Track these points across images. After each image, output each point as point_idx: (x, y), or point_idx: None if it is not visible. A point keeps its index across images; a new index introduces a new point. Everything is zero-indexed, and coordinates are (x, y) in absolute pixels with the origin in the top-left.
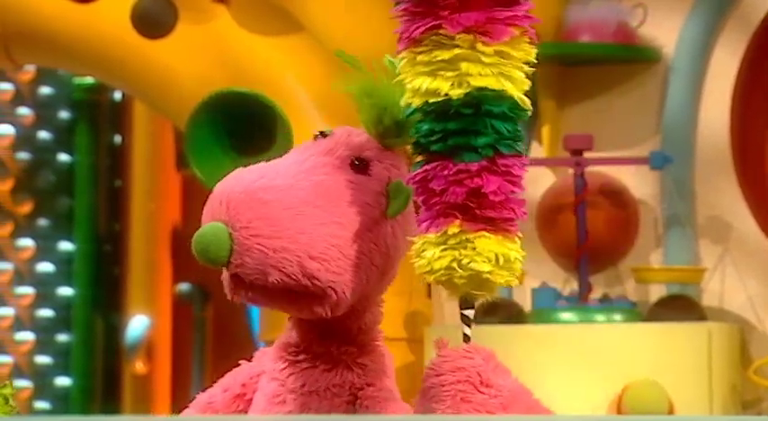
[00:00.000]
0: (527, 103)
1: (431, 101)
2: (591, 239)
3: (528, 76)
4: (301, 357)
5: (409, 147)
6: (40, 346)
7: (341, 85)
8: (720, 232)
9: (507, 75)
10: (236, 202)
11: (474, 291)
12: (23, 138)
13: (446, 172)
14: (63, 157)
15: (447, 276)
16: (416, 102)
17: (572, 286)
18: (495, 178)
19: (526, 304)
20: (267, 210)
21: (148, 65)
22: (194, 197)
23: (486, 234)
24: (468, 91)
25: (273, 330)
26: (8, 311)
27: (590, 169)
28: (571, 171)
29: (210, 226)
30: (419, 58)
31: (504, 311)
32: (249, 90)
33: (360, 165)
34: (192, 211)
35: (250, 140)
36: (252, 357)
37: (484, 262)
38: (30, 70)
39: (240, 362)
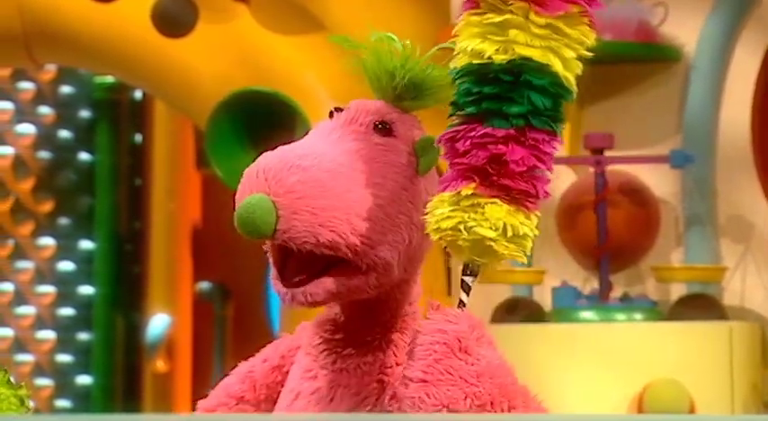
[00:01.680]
0: (572, 82)
1: (474, 62)
2: (611, 238)
3: (582, 60)
4: (337, 334)
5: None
6: (61, 345)
7: (349, 61)
8: (741, 231)
9: (556, 50)
10: (275, 171)
11: (477, 258)
12: (44, 138)
13: (473, 134)
14: (84, 156)
15: (452, 237)
16: (462, 62)
17: (592, 285)
18: (521, 149)
19: (546, 303)
20: (308, 173)
21: (169, 64)
22: (215, 196)
23: (499, 202)
24: (511, 58)
25: (294, 328)
26: (29, 310)
27: (611, 168)
28: (592, 169)
29: (251, 197)
30: (473, 19)
31: (524, 310)
32: (269, 89)
33: (383, 127)
34: (212, 210)
35: (270, 139)
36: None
37: (490, 228)
38: (51, 69)
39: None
